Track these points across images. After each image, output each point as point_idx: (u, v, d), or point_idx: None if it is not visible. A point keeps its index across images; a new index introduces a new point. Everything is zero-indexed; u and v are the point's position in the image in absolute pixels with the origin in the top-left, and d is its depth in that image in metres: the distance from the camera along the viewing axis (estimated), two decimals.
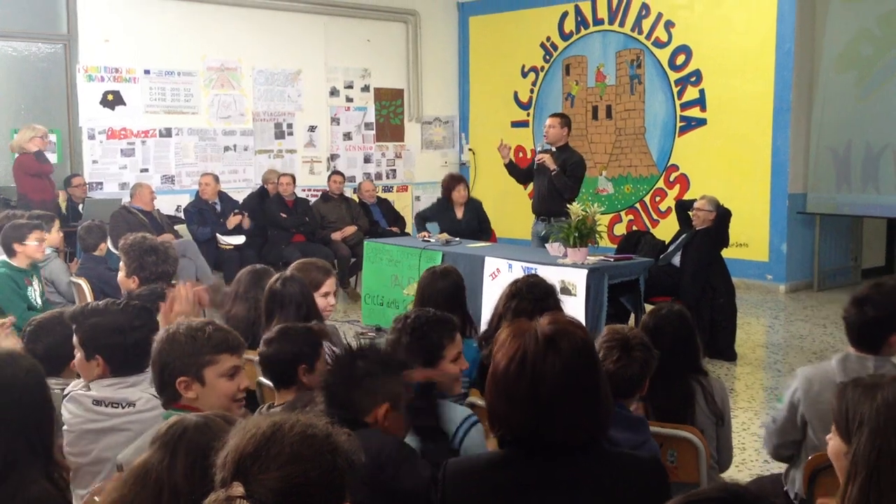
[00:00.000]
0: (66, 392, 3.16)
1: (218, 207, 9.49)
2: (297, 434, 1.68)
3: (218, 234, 9.34)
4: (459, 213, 8.92)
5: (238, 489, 1.62)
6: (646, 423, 2.91)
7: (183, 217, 9.76)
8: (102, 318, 2.99)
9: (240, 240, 9.36)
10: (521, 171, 8.37)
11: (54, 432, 2.51)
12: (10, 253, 5.75)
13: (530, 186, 8.65)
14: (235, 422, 2.16)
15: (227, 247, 9.20)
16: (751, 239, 10.02)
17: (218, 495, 1.63)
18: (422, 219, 8.99)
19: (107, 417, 2.90)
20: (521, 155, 11.73)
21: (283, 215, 9.84)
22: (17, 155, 8.75)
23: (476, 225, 8.89)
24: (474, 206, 9.06)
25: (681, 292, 7.01)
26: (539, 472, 2.01)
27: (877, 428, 2.00)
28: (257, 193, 10.24)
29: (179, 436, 2.02)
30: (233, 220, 9.45)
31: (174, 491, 1.97)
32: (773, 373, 6.88)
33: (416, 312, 3.08)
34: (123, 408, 2.90)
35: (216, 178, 9.67)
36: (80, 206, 9.17)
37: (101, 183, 10.01)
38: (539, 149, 8.16)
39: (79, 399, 2.96)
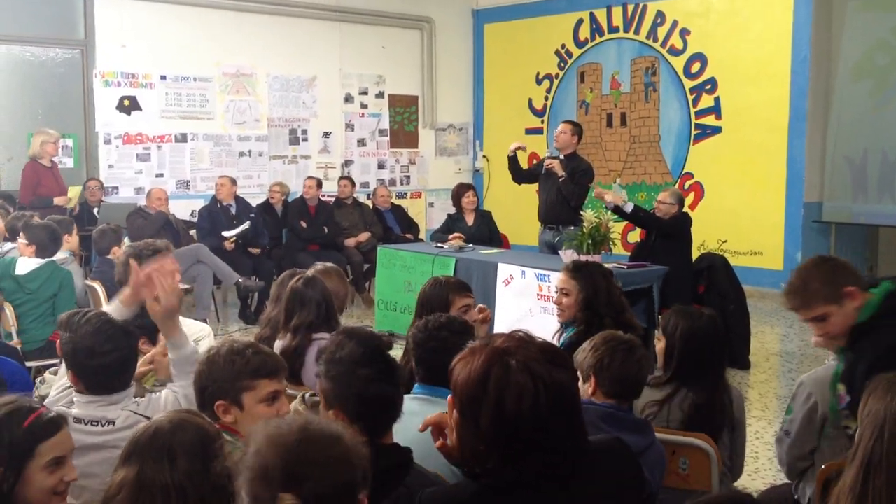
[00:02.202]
0: (48, 400, 3.13)
1: (233, 210, 9.49)
2: (326, 438, 1.72)
3: (223, 233, 9.24)
4: (470, 220, 9.09)
5: (289, 499, 1.64)
6: (650, 426, 2.92)
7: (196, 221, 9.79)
8: (75, 334, 2.91)
9: (240, 228, 9.26)
10: (520, 170, 8.34)
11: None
12: (58, 246, 5.94)
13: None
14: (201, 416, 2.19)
15: (232, 244, 9.11)
16: (765, 247, 9.99)
17: None
18: (438, 236, 9.05)
19: (88, 435, 2.83)
20: (534, 162, 11.71)
21: (303, 224, 9.78)
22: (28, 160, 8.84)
23: (486, 233, 9.12)
24: (484, 216, 9.32)
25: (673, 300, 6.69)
26: None
27: (881, 419, 2.07)
28: (263, 207, 10.08)
29: (170, 439, 2.03)
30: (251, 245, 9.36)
31: (181, 492, 1.98)
32: (787, 382, 6.84)
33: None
34: (103, 426, 2.83)
35: (233, 181, 9.65)
36: (96, 210, 9.23)
37: (116, 187, 10.07)
38: (547, 155, 8.16)
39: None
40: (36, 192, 8.58)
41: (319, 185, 10.17)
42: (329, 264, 4.67)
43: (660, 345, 3.54)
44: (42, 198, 8.51)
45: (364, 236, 10.04)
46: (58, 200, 8.56)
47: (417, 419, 2.86)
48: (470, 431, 1.90)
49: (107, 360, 2.86)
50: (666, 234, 7.21)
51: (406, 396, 3.01)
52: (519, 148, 8.27)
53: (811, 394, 3.18)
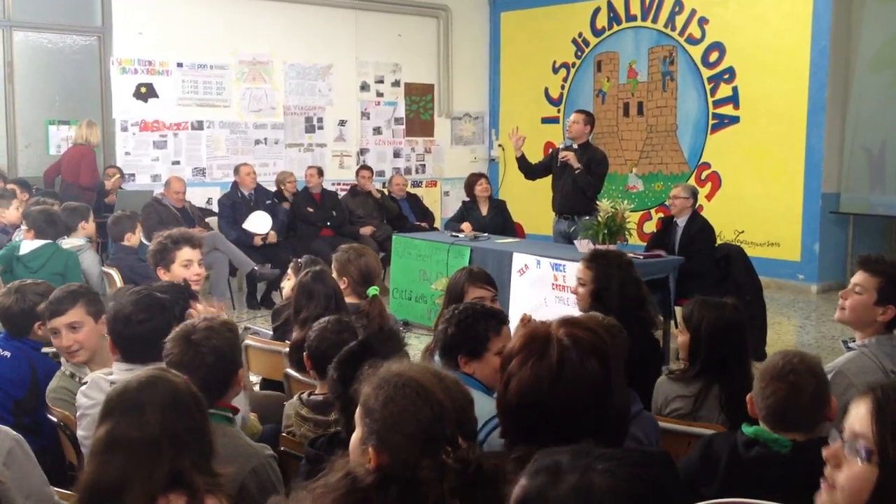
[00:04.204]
0: (85, 379, 3.17)
1: (252, 199, 9.52)
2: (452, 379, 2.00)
3: (250, 229, 9.26)
4: (484, 210, 9.04)
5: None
6: (635, 396, 2.87)
7: (215, 210, 9.81)
8: (117, 302, 3.09)
9: (265, 228, 9.30)
10: (531, 167, 8.27)
11: None
12: (56, 229, 6.08)
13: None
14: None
15: (260, 241, 9.17)
16: (783, 238, 9.93)
17: (472, 451, 1.85)
18: (451, 225, 8.99)
19: None
20: (550, 151, 11.68)
21: (310, 210, 9.83)
22: (73, 145, 9.06)
23: (500, 222, 9.05)
24: (498, 206, 9.20)
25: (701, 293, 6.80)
26: None
27: None
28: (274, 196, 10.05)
29: (138, 395, 2.07)
30: (268, 237, 9.37)
31: (154, 443, 2.02)
32: None
33: (465, 305, 3.17)
34: None
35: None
36: (113, 196, 9.26)
37: (133, 174, 10.11)
38: (561, 146, 8.11)
39: (98, 382, 3.00)
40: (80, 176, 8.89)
41: (321, 173, 10.25)
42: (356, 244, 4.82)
43: (682, 338, 3.42)
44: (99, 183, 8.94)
45: (372, 227, 10.03)
46: (109, 184, 9.10)
47: None
48: (520, 406, 2.02)
49: (140, 330, 2.99)
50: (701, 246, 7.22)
51: None
52: (520, 139, 8.11)
53: (850, 384, 3.12)
